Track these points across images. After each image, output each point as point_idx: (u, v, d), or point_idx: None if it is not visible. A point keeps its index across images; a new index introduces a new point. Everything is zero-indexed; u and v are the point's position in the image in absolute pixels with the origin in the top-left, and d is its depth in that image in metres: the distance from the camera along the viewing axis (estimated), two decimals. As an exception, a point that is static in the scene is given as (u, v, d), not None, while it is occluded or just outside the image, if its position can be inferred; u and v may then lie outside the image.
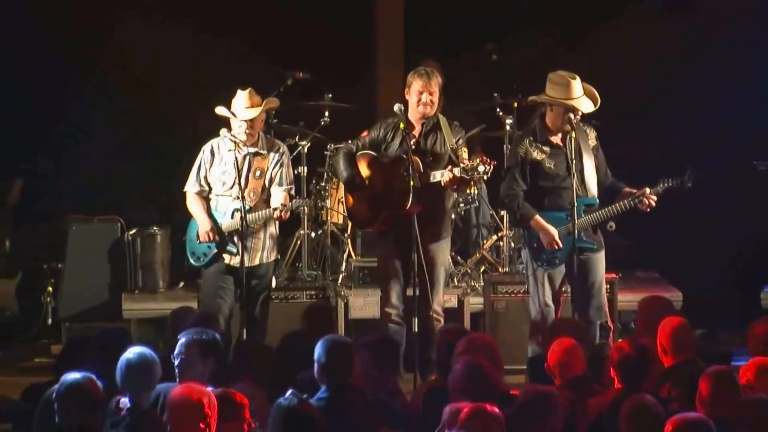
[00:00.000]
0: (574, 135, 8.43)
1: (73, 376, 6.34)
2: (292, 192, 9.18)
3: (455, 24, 11.45)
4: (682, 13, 11.28)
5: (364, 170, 9.09)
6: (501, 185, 9.02)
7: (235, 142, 8.93)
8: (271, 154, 8.98)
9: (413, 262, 8.65)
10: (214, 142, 9.05)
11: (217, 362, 7.09)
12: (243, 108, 8.89)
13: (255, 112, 8.85)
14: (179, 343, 7.03)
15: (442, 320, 8.90)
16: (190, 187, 9.01)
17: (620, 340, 7.34)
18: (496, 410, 5.85)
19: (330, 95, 10.46)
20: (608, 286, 9.23)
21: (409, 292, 9.01)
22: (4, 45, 10.95)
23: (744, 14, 11.15)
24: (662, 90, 11.24)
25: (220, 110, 8.96)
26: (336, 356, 6.84)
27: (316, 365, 6.72)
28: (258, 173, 8.92)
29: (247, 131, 8.89)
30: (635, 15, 11.18)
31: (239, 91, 8.96)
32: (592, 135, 8.79)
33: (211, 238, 8.92)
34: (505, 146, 10.34)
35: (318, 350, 6.77)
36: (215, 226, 8.90)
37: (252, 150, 8.91)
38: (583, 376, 6.83)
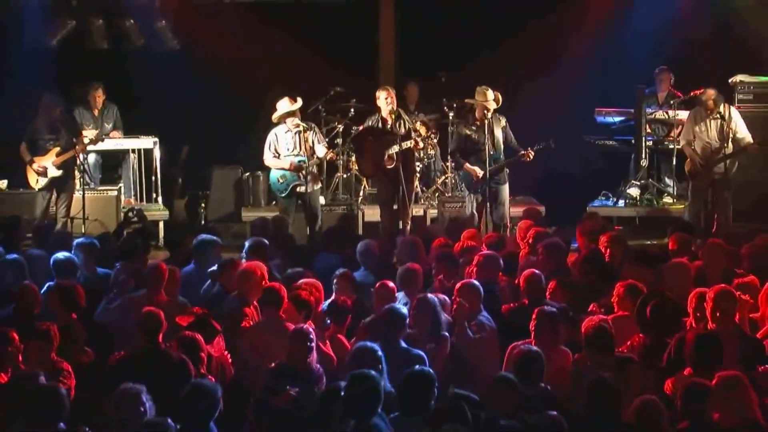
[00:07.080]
0: (487, 123, 11.37)
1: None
2: (326, 144, 11.83)
3: (427, 59, 13.99)
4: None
5: (365, 143, 11.84)
6: (449, 149, 12.05)
7: (291, 127, 11.63)
8: (309, 131, 11.69)
9: (401, 190, 11.47)
10: (275, 129, 11.66)
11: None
12: (287, 106, 11.53)
13: (294, 108, 11.49)
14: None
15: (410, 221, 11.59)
16: (267, 155, 11.70)
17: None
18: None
19: (354, 99, 13.31)
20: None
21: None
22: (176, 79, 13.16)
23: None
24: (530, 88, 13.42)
25: (275, 116, 11.57)
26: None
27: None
28: (305, 140, 11.66)
29: (293, 119, 11.56)
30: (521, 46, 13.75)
31: (283, 99, 11.54)
32: (502, 120, 11.62)
33: (295, 164, 11.46)
34: (449, 128, 13.04)
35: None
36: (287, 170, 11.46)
37: (298, 129, 11.63)
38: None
